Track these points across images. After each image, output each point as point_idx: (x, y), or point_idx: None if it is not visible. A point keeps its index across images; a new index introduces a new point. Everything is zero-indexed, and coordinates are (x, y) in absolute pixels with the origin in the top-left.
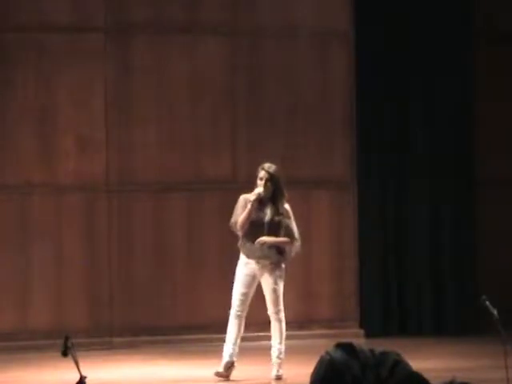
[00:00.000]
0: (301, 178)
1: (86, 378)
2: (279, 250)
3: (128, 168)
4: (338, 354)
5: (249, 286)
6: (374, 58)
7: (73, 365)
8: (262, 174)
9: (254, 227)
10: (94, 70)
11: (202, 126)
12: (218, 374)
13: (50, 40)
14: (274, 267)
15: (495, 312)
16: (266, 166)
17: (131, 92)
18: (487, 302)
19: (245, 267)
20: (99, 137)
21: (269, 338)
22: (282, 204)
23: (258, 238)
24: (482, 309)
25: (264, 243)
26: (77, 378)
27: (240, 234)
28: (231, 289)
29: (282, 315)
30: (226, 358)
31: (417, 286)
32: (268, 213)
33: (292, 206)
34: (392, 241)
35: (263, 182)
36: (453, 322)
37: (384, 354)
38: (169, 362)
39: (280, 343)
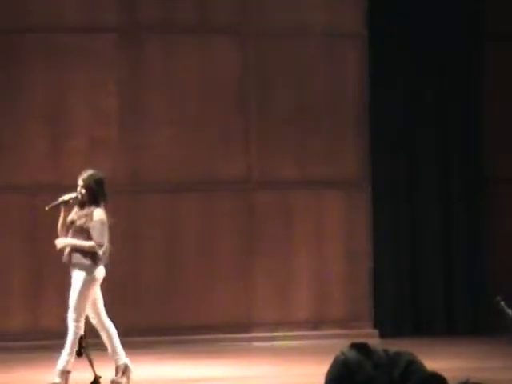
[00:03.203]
0: (313, 177)
1: (100, 377)
2: (86, 254)
3: (140, 168)
4: (352, 354)
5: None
6: (387, 58)
7: (84, 364)
8: (78, 181)
9: (68, 232)
10: (106, 70)
11: (214, 126)
12: None
13: (62, 40)
14: (79, 271)
15: (510, 312)
16: (83, 174)
17: (143, 92)
18: (502, 303)
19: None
20: (110, 137)
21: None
22: (92, 208)
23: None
24: (497, 309)
25: (64, 245)
26: (89, 378)
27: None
28: (243, 289)
29: (73, 324)
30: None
31: (430, 286)
32: (76, 217)
33: (305, 206)
34: (405, 241)
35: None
36: (466, 322)
37: (398, 354)
38: (176, 362)
39: (68, 354)
